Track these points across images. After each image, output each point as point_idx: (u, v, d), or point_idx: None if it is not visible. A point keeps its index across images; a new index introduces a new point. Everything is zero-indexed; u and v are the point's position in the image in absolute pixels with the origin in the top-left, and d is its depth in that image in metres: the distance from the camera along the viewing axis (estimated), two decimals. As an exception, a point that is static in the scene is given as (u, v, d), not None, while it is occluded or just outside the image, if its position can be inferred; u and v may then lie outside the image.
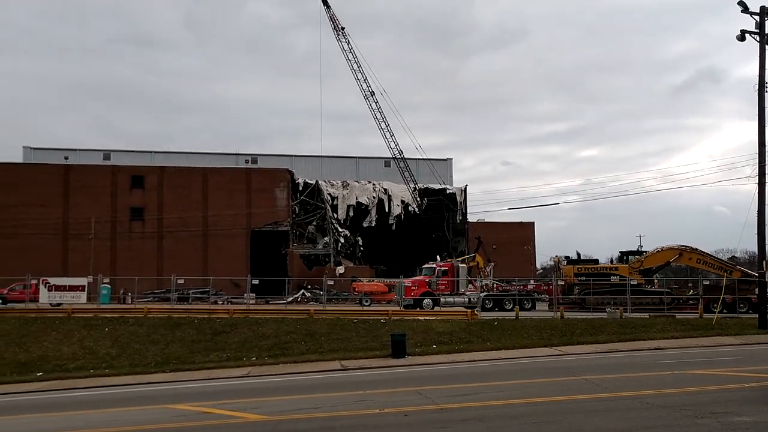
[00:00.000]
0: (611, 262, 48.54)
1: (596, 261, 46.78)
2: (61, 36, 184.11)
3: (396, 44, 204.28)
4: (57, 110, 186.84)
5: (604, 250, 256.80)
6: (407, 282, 44.70)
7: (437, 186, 77.66)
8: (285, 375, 25.27)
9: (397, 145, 70.56)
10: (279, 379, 24.52)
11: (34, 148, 77.87)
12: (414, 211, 76.69)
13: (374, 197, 77.21)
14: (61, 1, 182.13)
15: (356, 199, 76.43)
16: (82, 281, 42.97)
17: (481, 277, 59.16)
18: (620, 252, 56.19)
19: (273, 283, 51.88)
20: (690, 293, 44.36)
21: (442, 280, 43.77)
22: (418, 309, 39.97)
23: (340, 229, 74.04)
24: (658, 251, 42.92)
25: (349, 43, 67.64)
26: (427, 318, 35.33)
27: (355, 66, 67.98)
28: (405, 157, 71.71)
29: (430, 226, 77.14)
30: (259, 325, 33.46)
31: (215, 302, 43.50)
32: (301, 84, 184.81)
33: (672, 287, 44.46)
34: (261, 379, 24.61)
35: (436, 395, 18.63)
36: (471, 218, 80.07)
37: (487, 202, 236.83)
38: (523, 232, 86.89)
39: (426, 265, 46.83)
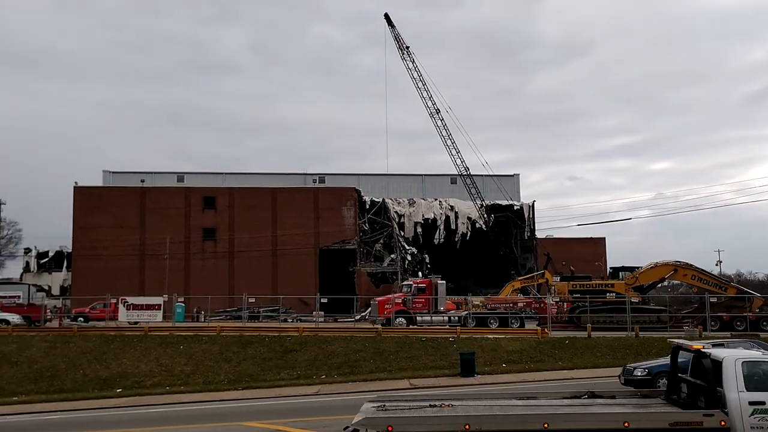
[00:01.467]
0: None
1: (589, 277, 44.78)
2: (137, 64, 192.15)
3: (458, 61, 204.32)
4: (134, 135, 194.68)
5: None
6: (382, 299, 43.29)
7: (504, 202, 76.80)
8: (354, 393, 25.33)
9: (463, 161, 70.33)
10: (349, 397, 24.60)
11: (113, 172, 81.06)
12: (481, 227, 76.00)
13: (441, 214, 76.94)
14: (135, 31, 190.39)
15: (423, 216, 76.32)
16: (158, 300, 44.27)
17: (550, 294, 58.07)
18: (611, 268, 54.33)
19: (341, 301, 52.24)
20: (686, 311, 43.02)
21: (418, 298, 41.91)
22: (458, 327, 38.16)
23: (407, 247, 74.03)
24: (653, 267, 41.56)
25: (414, 62, 68.06)
26: (497, 336, 34.85)
27: (420, 84, 68.29)
28: (471, 173, 71.31)
29: (498, 242, 76.26)
30: (328, 343, 33.72)
31: (285, 320, 44.01)
32: (366, 103, 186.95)
33: (667, 305, 42.73)
34: (331, 398, 24.77)
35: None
36: (539, 234, 78.79)
37: (555, 218, 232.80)
38: (594, 247, 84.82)
39: (405, 282, 44.85)
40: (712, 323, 37.18)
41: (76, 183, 68.61)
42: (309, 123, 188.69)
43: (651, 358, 30.35)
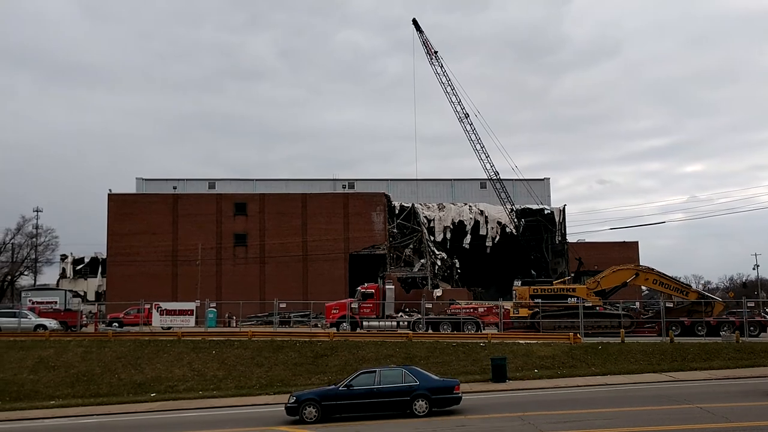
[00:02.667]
0: (730, 282, 45.92)
1: (550, 281, 44.09)
2: (167, 72, 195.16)
3: (486, 65, 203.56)
4: (166, 142, 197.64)
5: (714, 269, 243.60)
6: (330, 304, 43.38)
7: (534, 206, 76.21)
8: (385, 399, 25.29)
9: (492, 166, 69.97)
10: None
11: (146, 179, 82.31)
12: (511, 232, 75.52)
13: (471, 219, 76.64)
14: (167, 40, 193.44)
15: (452, 221, 76.10)
16: (191, 306, 44.74)
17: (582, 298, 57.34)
18: (573, 273, 53.24)
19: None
20: (646, 316, 42.31)
21: (366, 303, 41.91)
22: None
23: (437, 252, 73.87)
24: (614, 272, 40.87)
25: (442, 67, 67.98)
26: (528, 342, 34.53)
27: (448, 89, 68.17)
28: (501, 178, 70.95)
29: (528, 247, 75.68)
30: (358, 348, 33.76)
31: (315, 325, 44.21)
32: (394, 108, 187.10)
33: (629, 310, 42.01)
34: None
35: (539, 421, 18.19)
36: (570, 239, 78.03)
37: (586, 222, 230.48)
38: (627, 252, 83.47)
39: (358, 288, 44.86)
40: (674, 328, 37.00)
41: (110, 190, 69.81)
42: (338, 129, 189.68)
43: (687, 362, 29.87)
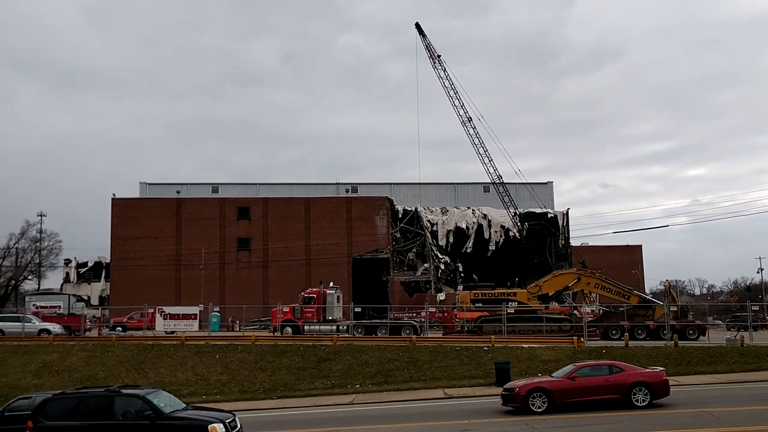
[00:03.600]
0: (734, 286, 46.01)
1: (492, 286, 44.31)
2: (171, 77, 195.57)
3: (488, 69, 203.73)
4: (170, 147, 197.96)
5: (718, 273, 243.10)
6: (276, 309, 43.98)
7: (538, 210, 76.09)
8: (389, 403, 25.31)
9: (495, 170, 69.88)
10: (383, 406, 24.59)
11: (150, 184, 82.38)
12: (514, 235, 75.43)
13: (474, 223, 76.57)
14: (171, 46, 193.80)
15: (456, 225, 76.02)
16: (194, 310, 44.71)
17: (586, 302, 57.25)
18: (518, 277, 53.17)
19: (374, 311, 52.21)
20: (589, 320, 42.12)
21: (309, 308, 42.34)
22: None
23: (440, 256, 73.82)
24: (557, 276, 41.36)
25: (445, 71, 67.94)
26: (532, 346, 34.47)
27: (452, 93, 68.12)
28: (504, 181, 70.87)
29: (532, 251, 75.56)
30: (362, 352, 33.72)
31: (265, 328, 43.92)
32: (396, 113, 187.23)
33: (571, 313, 42.14)
34: (366, 407, 24.75)
35: (543, 426, 18.15)
36: (574, 242, 77.89)
37: (589, 226, 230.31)
38: (631, 255, 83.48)
39: (301, 293, 45.24)
40: (613, 332, 37.46)
41: (114, 195, 69.93)
42: (341, 133, 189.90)
43: (691, 366, 29.80)
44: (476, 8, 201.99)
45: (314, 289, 44.58)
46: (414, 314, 44.65)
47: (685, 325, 38.33)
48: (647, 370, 22.26)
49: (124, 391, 17.39)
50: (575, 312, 43.15)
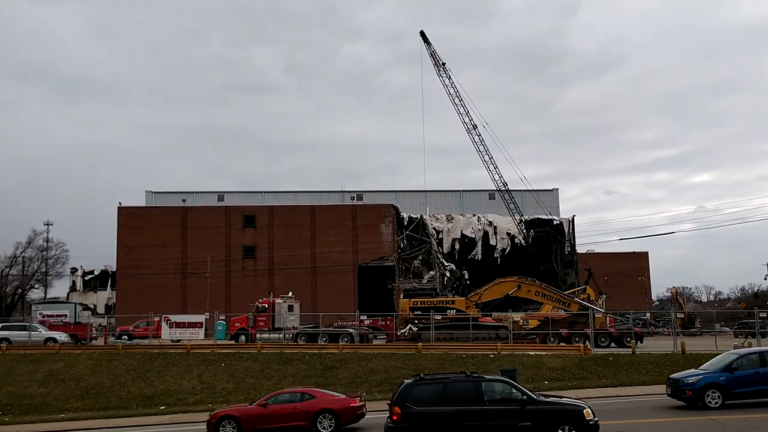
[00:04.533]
0: (741, 292, 45.88)
1: (431, 294, 44.36)
2: (175, 86, 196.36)
3: (492, 77, 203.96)
4: (175, 156, 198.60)
5: (725, 279, 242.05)
6: (234, 318, 45.76)
7: (544, 217, 75.97)
8: (395, 411, 25.17)
9: (501, 177, 69.88)
10: (389, 415, 24.48)
11: (155, 192, 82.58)
12: (520, 243, 75.28)
13: (479, 230, 76.46)
14: (174, 55, 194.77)
15: (461, 232, 75.95)
16: (200, 318, 44.78)
17: (593, 309, 57.01)
18: (585, 283, 53.11)
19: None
20: (529, 327, 42.90)
21: (261, 317, 43.76)
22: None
23: (446, 263, 73.68)
24: (498, 284, 41.69)
25: (450, 78, 68.08)
26: (538, 353, 34.35)
27: (456, 100, 68.21)
28: (509, 188, 70.82)
29: (538, 258, 75.39)
30: (368, 360, 33.66)
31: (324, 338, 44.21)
32: (400, 121, 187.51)
33: (512, 321, 42.23)
34: (372, 416, 24.65)
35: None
36: (580, 249, 77.70)
37: (595, 233, 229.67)
38: (637, 262, 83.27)
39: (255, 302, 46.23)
40: (552, 339, 38.03)
41: (119, 203, 70.10)
42: (345, 141, 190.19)
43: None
44: (478, 16, 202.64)
45: (266, 299, 45.80)
46: (359, 321, 44.93)
47: (623, 333, 39.01)
48: (341, 396, 22.42)
49: (487, 376, 17.55)
50: (523, 320, 43.26)
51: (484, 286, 42.42)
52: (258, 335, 42.73)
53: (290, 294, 47.74)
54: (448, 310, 40.51)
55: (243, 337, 43.46)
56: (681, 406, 21.53)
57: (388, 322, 47.03)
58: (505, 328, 39.83)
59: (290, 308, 45.67)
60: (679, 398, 21.60)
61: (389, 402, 16.98)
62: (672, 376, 22.91)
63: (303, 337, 41.27)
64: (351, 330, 42.21)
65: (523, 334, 41.00)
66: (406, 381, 17.41)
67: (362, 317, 46.84)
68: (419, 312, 40.84)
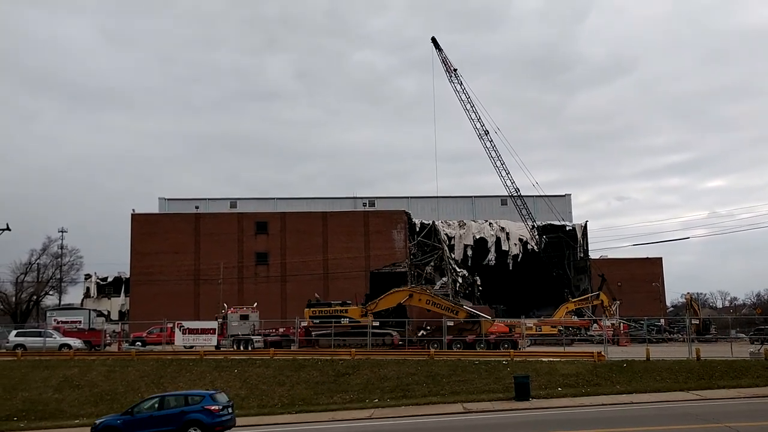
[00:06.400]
0: (757, 298, 45.57)
1: (329, 304, 45.85)
2: (187, 95, 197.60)
3: (502, 83, 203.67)
4: (188, 163, 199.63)
5: (741, 285, 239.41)
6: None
7: (556, 223, 75.58)
8: (408, 417, 25.18)
9: (513, 182, 69.65)
10: (402, 421, 24.46)
11: (168, 199, 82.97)
12: (533, 249, 74.93)
13: (492, 236, 76.19)
14: (187, 64, 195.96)
15: (473, 238, 75.73)
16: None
17: (606, 316, 56.71)
18: (536, 290, 52.81)
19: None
20: (421, 333, 44.06)
21: (225, 324, 45.94)
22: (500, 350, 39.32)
23: (458, 269, 73.47)
24: (392, 293, 43.33)
25: (461, 84, 68.01)
26: (551, 360, 34.16)
27: (468, 106, 68.12)
28: (522, 194, 70.59)
29: (550, 264, 75.02)
30: (380, 366, 33.60)
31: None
32: (411, 127, 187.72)
33: (405, 328, 43.92)
34: (384, 422, 24.64)
35: None
36: (593, 255, 77.24)
37: (607, 239, 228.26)
38: (650, 268, 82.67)
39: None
40: (435, 345, 39.42)
41: (133, 210, 70.48)
42: (356, 148, 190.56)
43: (714, 380, 29.33)
44: (487, 23, 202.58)
45: (231, 309, 48.43)
46: (300, 329, 45.59)
47: (500, 340, 40.25)
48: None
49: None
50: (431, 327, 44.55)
51: (382, 295, 44.35)
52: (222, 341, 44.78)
53: (255, 305, 50.08)
54: (342, 319, 42.52)
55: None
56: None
57: (289, 329, 48.78)
58: (390, 335, 42.05)
59: (244, 317, 46.92)
60: None
61: None
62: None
63: (240, 343, 43.11)
64: (275, 336, 44.99)
65: (415, 340, 42.73)
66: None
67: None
68: (317, 320, 43.15)
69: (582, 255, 75.88)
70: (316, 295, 53.07)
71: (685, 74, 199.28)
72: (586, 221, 76.97)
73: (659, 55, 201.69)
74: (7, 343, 44.34)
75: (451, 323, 40.93)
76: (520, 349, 39.21)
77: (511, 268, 75.25)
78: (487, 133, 68.23)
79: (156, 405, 23.28)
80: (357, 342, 40.33)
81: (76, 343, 43.45)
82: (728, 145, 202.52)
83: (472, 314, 42.29)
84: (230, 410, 23.18)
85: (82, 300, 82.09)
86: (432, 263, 73.46)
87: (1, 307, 79.02)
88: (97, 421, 23.81)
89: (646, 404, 25.18)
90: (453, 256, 74.09)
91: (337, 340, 41.15)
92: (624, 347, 45.41)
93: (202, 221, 70.28)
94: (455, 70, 68.22)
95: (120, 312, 79.37)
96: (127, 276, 73.64)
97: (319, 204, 79.56)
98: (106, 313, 75.70)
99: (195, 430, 22.00)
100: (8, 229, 53.90)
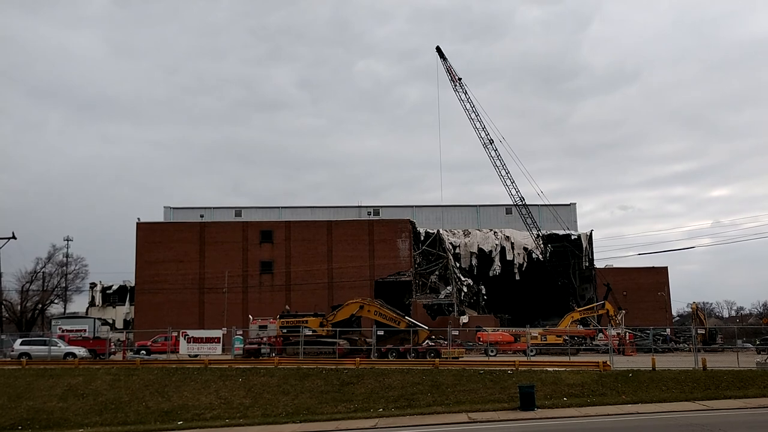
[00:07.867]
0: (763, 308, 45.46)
1: (294, 315, 47.20)
2: (192, 104, 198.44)
3: (506, 92, 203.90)
4: (193, 172, 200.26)
5: (747, 295, 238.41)
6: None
7: (561, 232, 75.49)
8: (412, 427, 25.08)
9: (518, 191, 69.67)
10: (406, 431, 24.37)
11: (174, 208, 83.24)
12: (538, 258, 74.81)
13: (497, 245, 76.10)
14: (191, 74, 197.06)
15: (478, 247, 75.65)
16: (218, 333, 44.94)
17: (611, 325, 56.51)
18: (541, 299, 52.59)
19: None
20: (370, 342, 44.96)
21: None
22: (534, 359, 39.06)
23: (463, 278, 73.38)
24: (347, 305, 45.17)
25: (466, 93, 68.18)
26: (557, 369, 34.02)
27: (473, 115, 68.27)
28: (526, 203, 70.56)
29: (556, 273, 74.89)
30: (384, 376, 33.50)
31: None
32: (415, 136, 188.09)
33: (358, 337, 45.63)
34: (389, 431, 24.56)
35: None
36: (598, 264, 77.05)
37: (611, 248, 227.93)
38: (656, 277, 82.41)
39: None
40: (376, 354, 40.79)
41: (138, 219, 70.71)
42: (360, 157, 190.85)
43: (721, 390, 29.17)
44: (491, 33, 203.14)
45: (253, 321, 50.89)
46: (277, 338, 46.29)
47: (427, 349, 41.57)
48: None
49: None
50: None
51: (339, 307, 46.24)
52: None
53: (279, 315, 50.34)
54: (301, 329, 44.01)
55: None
56: None
57: (278, 338, 49.20)
58: (337, 343, 43.29)
59: (262, 327, 48.46)
60: None
61: None
62: None
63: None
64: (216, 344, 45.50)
65: (364, 349, 43.52)
66: None
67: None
68: (285, 330, 44.93)
69: (587, 264, 75.73)
70: (287, 306, 54.78)
71: (689, 83, 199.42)
72: (592, 230, 76.91)
73: (663, 63, 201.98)
74: (12, 351, 44.46)
75: (383, 333, 42.85)
76: (442, 357, 39.96)
77: (516, 278, 75.13)
78: (491, 142, 68.34)
79: None
80: (314, 350, 42.51)
81: (80, 351, 43.50)
82: (733, 154, 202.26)
83: (412, 324, 43.87)
84: None
85: (87, 308, 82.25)
86: (437, 272, 73.41)
87: (7, 315, 79.16)
88: None
89: (651, 414, 25.03)
90: (458, 265, 74.01)
91: (298, 348, 42.99)
92: (630, 357, 45.26)
93: (207, 230, 70.46)
94: (460, 79, 68.42)
95: (125, 320, 79.48)
96: (132, 284, 73.79)
97: (324, 213, 79.70)
98: (111, 321, 75.84)
99: None
100: (14, 237, 54.28)
